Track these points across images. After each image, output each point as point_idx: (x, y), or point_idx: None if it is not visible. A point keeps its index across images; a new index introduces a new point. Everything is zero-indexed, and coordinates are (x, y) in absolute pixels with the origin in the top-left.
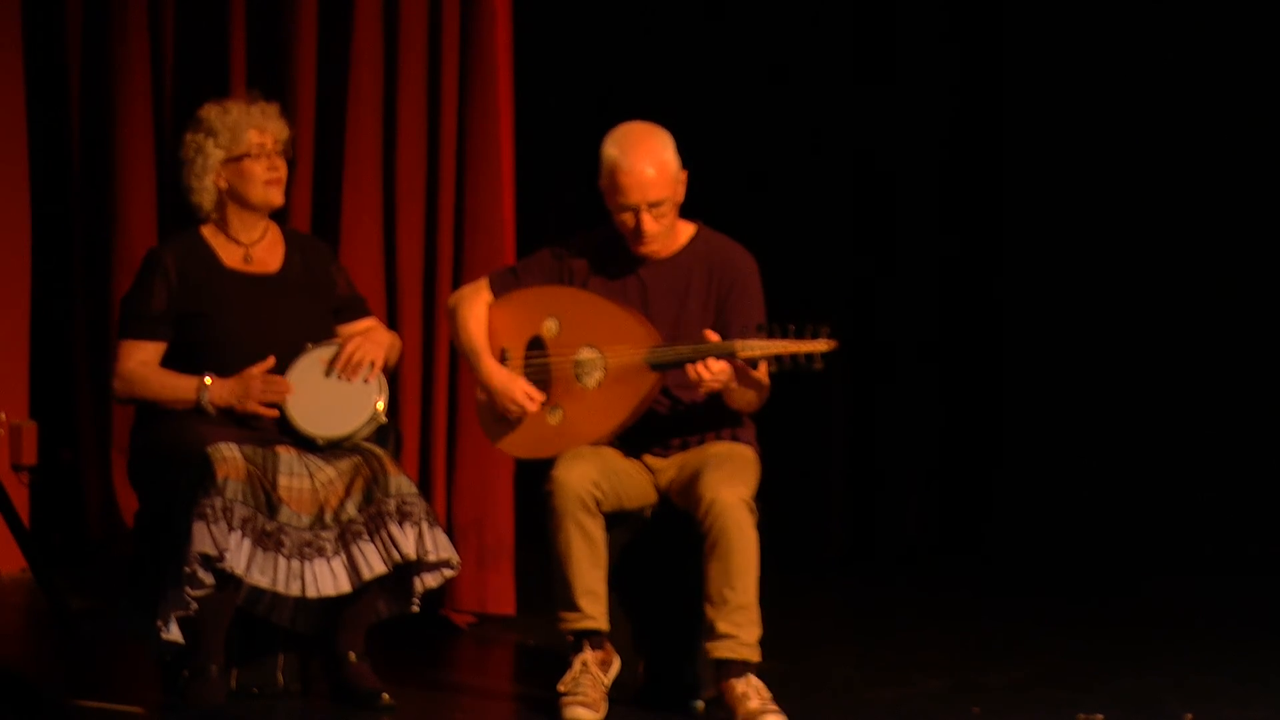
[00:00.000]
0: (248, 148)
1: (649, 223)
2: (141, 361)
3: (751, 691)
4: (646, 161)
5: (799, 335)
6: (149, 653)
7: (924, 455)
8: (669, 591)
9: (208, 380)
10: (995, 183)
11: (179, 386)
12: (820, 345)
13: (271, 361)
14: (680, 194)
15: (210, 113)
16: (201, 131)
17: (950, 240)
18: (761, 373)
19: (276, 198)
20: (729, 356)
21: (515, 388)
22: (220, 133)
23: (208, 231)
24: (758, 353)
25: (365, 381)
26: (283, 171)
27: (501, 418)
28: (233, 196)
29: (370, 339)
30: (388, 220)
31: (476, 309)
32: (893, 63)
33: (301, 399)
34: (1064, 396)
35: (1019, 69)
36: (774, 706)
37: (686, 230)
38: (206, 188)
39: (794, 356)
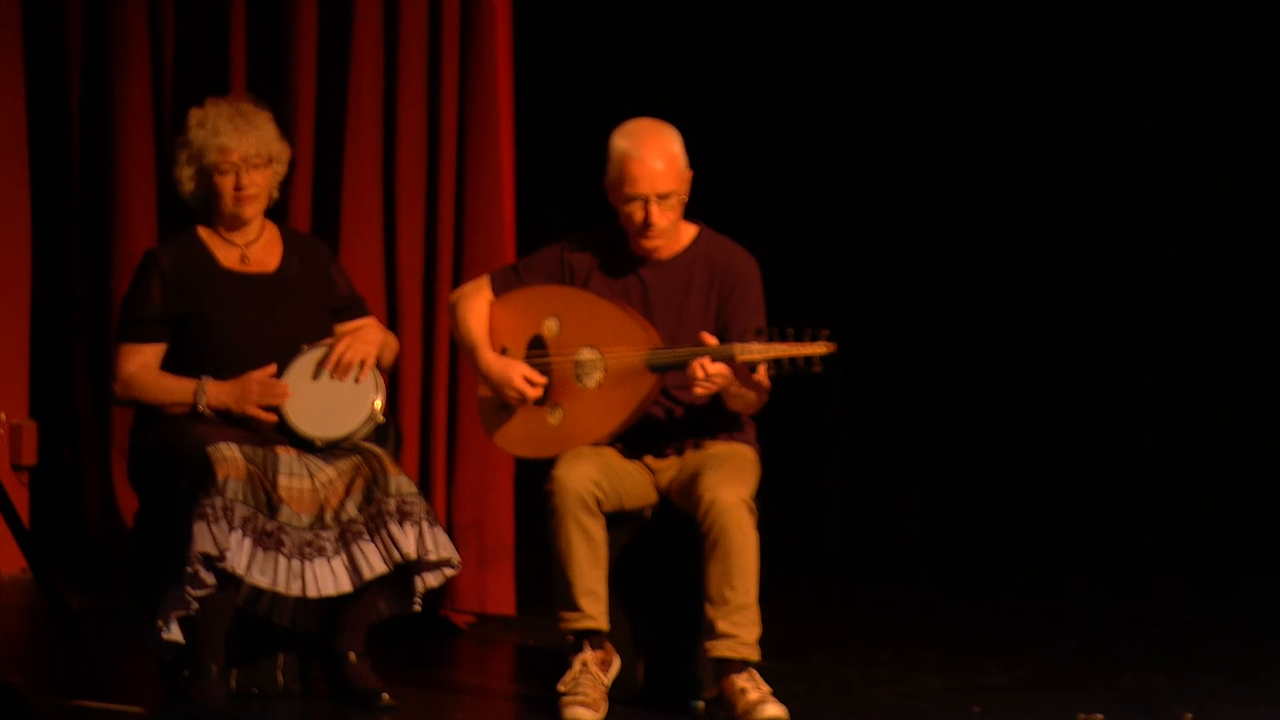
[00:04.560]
0: (213, 164)
1: (657, 214)
2: (141, 365)
3: (751, 685)
4: (657, 153)
5: (798, 338)
6: (149, 653)
7: (924, 455)
8: (669, 591)
9: (205, 382)
10: (996, 180)
11: (177, 389)
12: (819, 348)
13: (273, 368)
14: (686, 192)
15: (191, 119)
16: (182, 135)
17: (951, 238)
18: (761, 375)
19: (245, 212)
20: (728, 360)
21: (514, 373)
22: (191, 144)
23: (204, 232)
24: (757, 356)
25: (357, 381)
26: (253, 188)
27: (503, 414)
28: (207, 203)
29: (361, 337)
30: (388, 220)
31: (477, 306)
32: (893, 59)
33: (299, 401)
34: (1064, 396)
35: (1020, 67)
36: (773, 699)
37: (689, 231)
38: (186, 189)
39: (793, 360)
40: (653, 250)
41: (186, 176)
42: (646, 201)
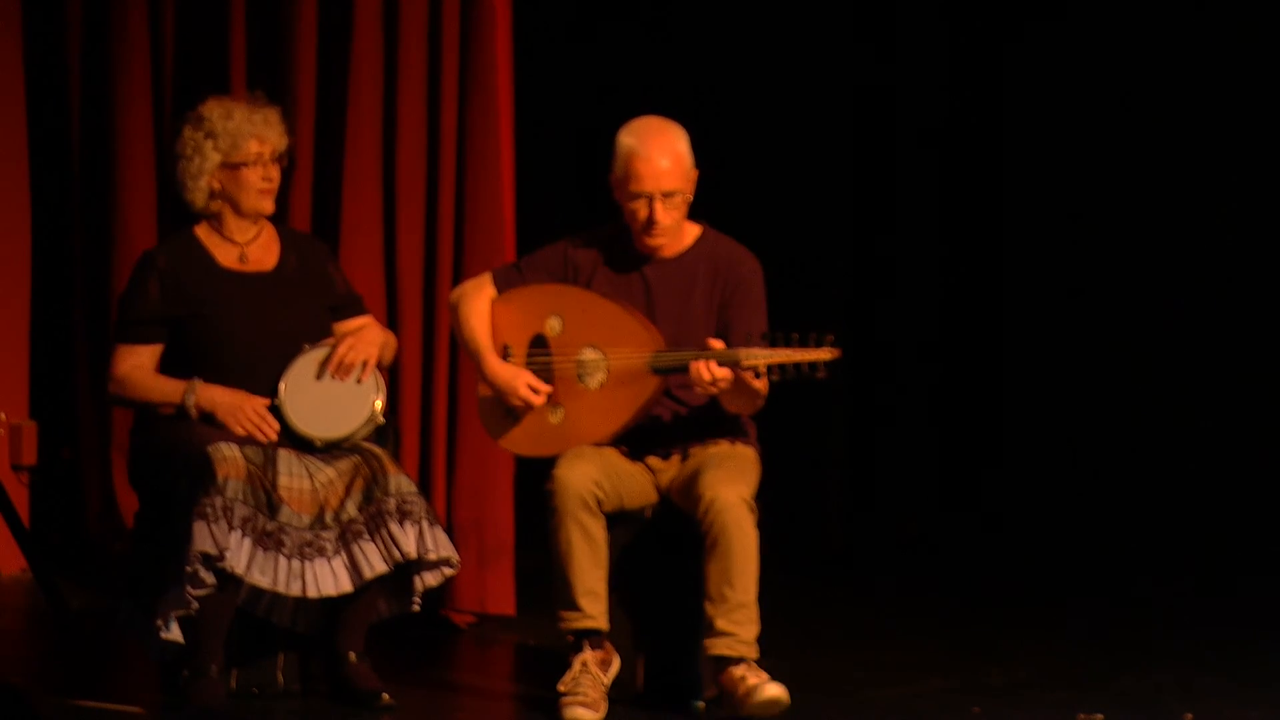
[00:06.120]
0: (245, 156)
1: (661, 212)
2: (135, 365)
3: (750, 673)
4: (663, 151)
5: (802, 344)
6: (149, 653)
7: (924, 455)
8: (669, 591)
9: (196, 383)
10: (995, 182)
11: (167, 389)
12: (823, 354)
13: (268, 402)
14: (691, 191)
15: (213, 112)
16: (201, 130)
17: (950, 240)
18: (762, 385)
19: (267, 206)
20: (733, 365)
21: (519, 381)
22: (221, 136)
23: (202, 231)
24: (761, 361)
25: (359, 381)
26: (276, 180)
27: (504, 414)
28: (225, 199)
29: (363, 338)
30: (388, 220)
31: (479, 305)
32: (893, 60)
33: (299, 400)
34: (1064, 396)
35: (1019, 68)
36: (772, 681)
37: (693, 231)
38: (200, 187)
39: (797, 365)
40: (656, 248)
41: (210, 169)
42: (651, 199)
